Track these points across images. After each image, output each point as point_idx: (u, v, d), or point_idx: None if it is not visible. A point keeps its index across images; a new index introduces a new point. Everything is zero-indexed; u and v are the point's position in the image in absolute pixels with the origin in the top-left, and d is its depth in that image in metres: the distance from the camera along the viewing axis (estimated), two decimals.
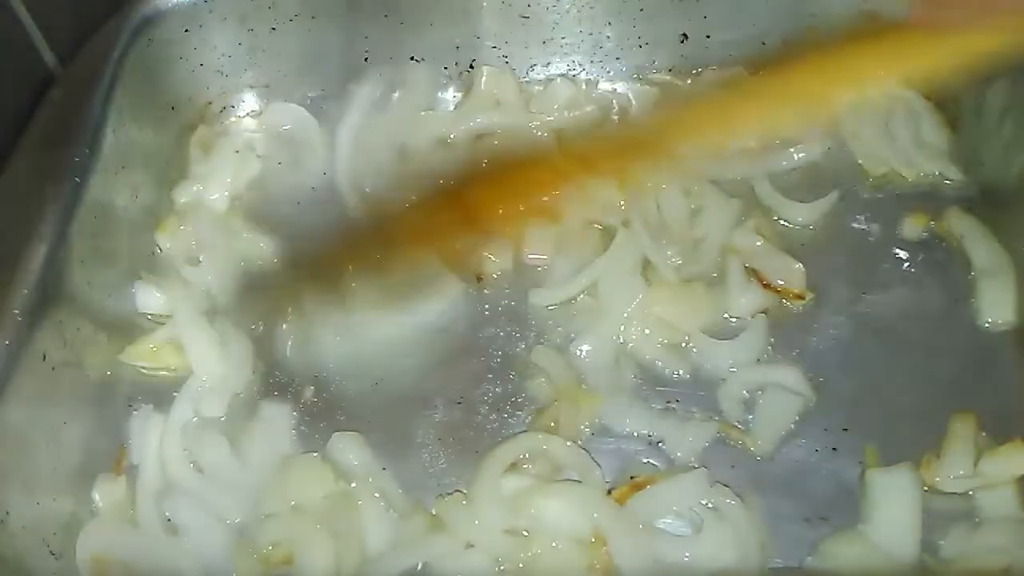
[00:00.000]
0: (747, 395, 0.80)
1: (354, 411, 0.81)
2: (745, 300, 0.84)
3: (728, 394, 0.80)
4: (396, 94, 1.00)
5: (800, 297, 0.85)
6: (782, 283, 0.85)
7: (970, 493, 0.73)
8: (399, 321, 0.84)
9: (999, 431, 0.74)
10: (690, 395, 0.80)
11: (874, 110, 0.97)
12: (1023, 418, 0.76)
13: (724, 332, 0.83)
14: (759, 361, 0.82)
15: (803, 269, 0.86)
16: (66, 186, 0.80)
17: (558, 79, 1.02)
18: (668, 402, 0.80)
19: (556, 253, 0.89)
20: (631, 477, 0.75)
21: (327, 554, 0.72)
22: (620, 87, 1.02)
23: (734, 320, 0.85)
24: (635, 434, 0.78)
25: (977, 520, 0.72)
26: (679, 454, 0.77)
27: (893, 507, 0.71)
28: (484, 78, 1.00)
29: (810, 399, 0.79)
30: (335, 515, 0.74)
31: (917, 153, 0.93)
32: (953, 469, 0.73)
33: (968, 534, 0.71)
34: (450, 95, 1.02)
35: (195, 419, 0.80)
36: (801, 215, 0.91)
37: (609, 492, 0.74)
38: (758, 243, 0.88)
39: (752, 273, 0.86)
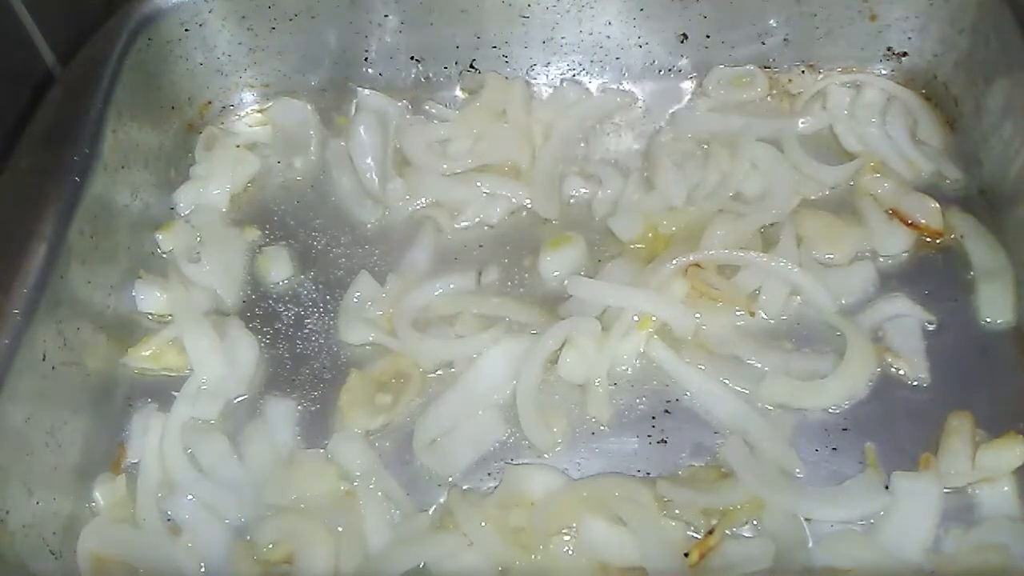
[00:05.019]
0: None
1: None
2: (892, 239, 0.86)
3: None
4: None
5: (939, 234, 0.86)
6: (923, 221, 0.87)
7: (969, 491, 0.73)
8: None
9: (998, 429, 0.75)
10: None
11: (871, 108, 0.97)
12: (1022, 416, 0.76)
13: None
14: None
15: (939, 207, 0.87)
16: (66, 186, 0.81)
17: (564, 84, 1.02)
18: None
19: None
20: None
21: (328, 553, 0.72)
22: (620, 87, 1.02)
23: (888, 260, 0.86)
24: None
25: (976, 518, 0.72)
26: None
27: (913, 512, 0.71)
28: (487, 87, 1.00)
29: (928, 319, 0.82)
30: (337, 513, 0.74)
31: (915, 152, 0.93)
32: (951, 465, 0.73)
33: (967, 531, 0.71)
34: (452, 95, 1.02)
35: (194, 418, 0.80)
36: (829, 177, 0.92)
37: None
38: (887, 184, 0.89)
39: (893, 213, 0.88)
